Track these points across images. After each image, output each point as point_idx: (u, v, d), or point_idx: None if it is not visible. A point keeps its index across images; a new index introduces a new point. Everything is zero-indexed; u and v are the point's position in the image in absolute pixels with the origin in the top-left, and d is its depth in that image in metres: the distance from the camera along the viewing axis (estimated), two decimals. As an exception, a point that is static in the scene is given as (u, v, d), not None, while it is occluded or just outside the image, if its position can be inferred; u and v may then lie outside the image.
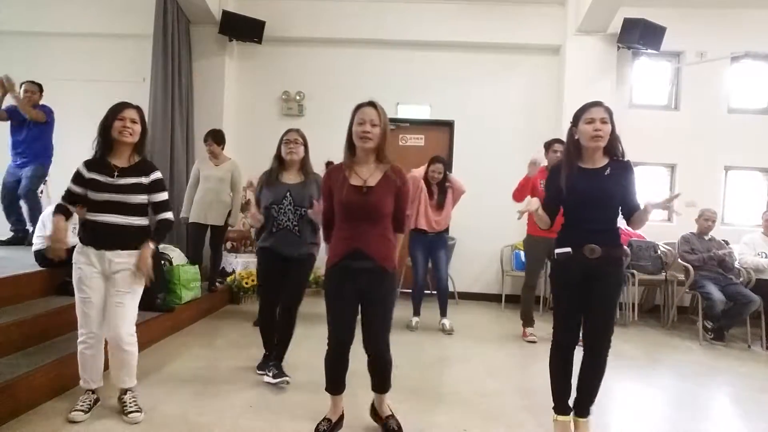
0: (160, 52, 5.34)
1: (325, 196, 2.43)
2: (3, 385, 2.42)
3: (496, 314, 5.53)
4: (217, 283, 5.10)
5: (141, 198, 2.52)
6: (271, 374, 3.07)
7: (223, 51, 6.06)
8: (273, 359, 3.16)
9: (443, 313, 4.68)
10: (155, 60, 5.32)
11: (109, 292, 2.48)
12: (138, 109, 2.57)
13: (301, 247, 3.08)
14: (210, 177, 4.73)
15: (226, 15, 5.82)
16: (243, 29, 5.91)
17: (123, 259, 2.47)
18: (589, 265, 2.32)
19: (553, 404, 2.51)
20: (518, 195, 4.30)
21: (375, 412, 2.54)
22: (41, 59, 6.06)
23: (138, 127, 2.52)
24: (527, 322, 4.46)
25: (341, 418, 2.50)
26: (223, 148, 4.85)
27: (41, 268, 3.52)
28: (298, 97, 6.27)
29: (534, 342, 4.29)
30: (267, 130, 5.83)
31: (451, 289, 6.07)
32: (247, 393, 2.93)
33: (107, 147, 2.50)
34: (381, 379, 2.41)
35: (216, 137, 4.78)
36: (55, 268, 3.36)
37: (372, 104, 2.30)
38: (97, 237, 2.45)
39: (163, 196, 2.60)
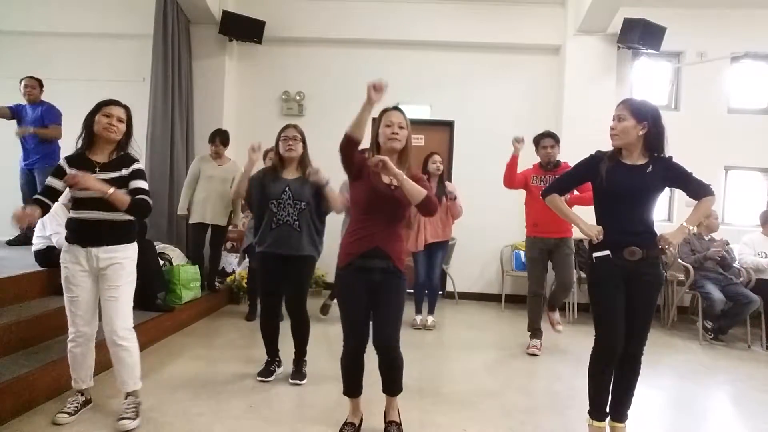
0: (160, 52, 5.34)
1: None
2: (3, 385, 2.43)
3: (496, 314, 5.53)
4: (216, 283, 5.10)
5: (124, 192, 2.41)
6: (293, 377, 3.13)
7: (223, 51, 6.05)
8: (296, 358, 3.19)
9: (431, 312, 4.78)
10: (155, 60, 5.33)
11: (101, 289, 2.44)
12: (126, 109, 2.52)
13: (301, 246, 3.00)
14: (213, 177, 4.74)
15: (226, 15, 5.82)
16: (243, 29, 5.91)
17: (111, 254, 2.41)
18: (629, 267, 2.30)
19: (589, 409, 2.46)
20: (508, 178, 4.03)
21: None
22: (41, 59, 6.04)
23: (123, 127, 2.46)
24: (534, 333, 4.07)
25: (361, 420, 2.49)
26: (226, 149, 4.88)
27: (41, 268, 3.52)
28: (298, 97, 6.26)
29: (536, 356, 3.94)
30: (267, 130, 5.75)
31: (450, 289, 6.09)
32: (247, 393, 2.93)
33: (90, 142, 2.44)
34: (391, 379, 2.39)
35: (223, 138, 4.82)
36: (56, 268, 3.34)
37: (398, 109, 2.35)
38: (83, 234, 2.40)
39: (140, 183, 2.45)
